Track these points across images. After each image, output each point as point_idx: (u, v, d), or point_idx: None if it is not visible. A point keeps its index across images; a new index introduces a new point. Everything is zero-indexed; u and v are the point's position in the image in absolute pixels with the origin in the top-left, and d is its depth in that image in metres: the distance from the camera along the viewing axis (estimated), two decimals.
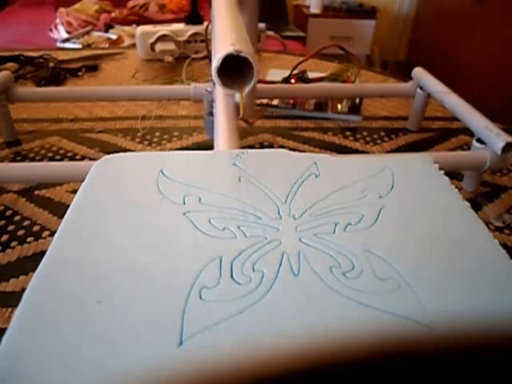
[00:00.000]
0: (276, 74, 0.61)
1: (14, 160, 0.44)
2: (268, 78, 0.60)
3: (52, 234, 0.34)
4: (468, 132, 0.43)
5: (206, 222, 0.18)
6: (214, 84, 0.40)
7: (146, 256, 0.16)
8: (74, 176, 0.32)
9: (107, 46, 1.09)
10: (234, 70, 0.25)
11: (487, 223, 0.36)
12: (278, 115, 0.54)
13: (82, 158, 0.44)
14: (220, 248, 0.17)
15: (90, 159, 0.44)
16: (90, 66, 0.68)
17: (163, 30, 0.70)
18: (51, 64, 0.66)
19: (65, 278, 0.15)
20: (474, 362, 0.14)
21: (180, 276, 0.15)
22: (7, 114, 0.46)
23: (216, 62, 0.24)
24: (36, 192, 0.39)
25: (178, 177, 0.20)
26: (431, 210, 0.19)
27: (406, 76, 0.58)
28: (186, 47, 0.72)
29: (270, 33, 0.85)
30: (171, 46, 0.69)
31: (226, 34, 0.26)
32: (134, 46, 0.78)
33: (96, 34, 1.17)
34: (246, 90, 0.25)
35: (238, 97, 0.36)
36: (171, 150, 0.46)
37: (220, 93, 0.37)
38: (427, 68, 0.49)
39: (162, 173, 0.21)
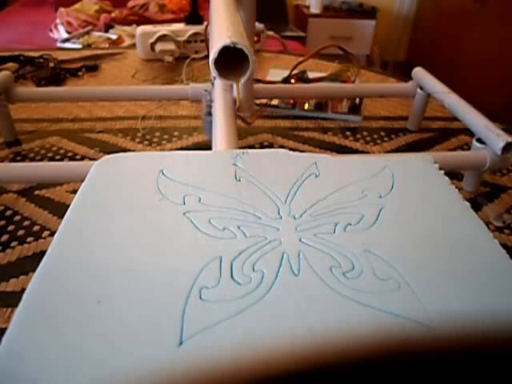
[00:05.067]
0: (276, 73, 0.61)
1: (14, 160, 0.44)
2: (268, 78, 0.60)
3: (52, 234, 0.34)
4: (468, 132, 0.44)
5: (206, 222, 0.18)
6: (212, 84, 0.40)
7: (146, 256, 0.16)
8: (74, 176, 0.32)
9: (107, 45, 1.09)
10: (232, 63, 0.26)
11: (487, 223, 0.36)
12: (278, 115, 0.54)
13: (82, 158, 0.44)
14: (220, 248, 0.17)
15: (90, 159, 0.44)
16: (90, 66, 0.68)
17: (163, 30, 0.70)
18: (51, 64, 0.66)
19: (65, 278, 0.15)
20: (474, 362, 0.14)
21: (180, 276, 0.15)
22: (7, 114, 0.46)
23: (213, 53, 0.25)
24: (36, 192, 0.39)
25: (178, 177, 0.20)
26: (431, 210, 0.19)
27: (406, 76, 0.58)
28: (185, 47, 0.72)
29: (270, 33, 0.85)
30: (171, 46, 0.69)
31: (223, 28, 0.27)
32: (134, 46, 0.78)
33: (96, 33, 1.17)
34: (242, 80, 0.26)
35: (235, 88, 0.37)
36: (171, 150, 0.46)
37: (219, 92, 0.37)
38: (427, 68, 0.49)
39: (162, 173, 0.21)
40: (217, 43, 0.25)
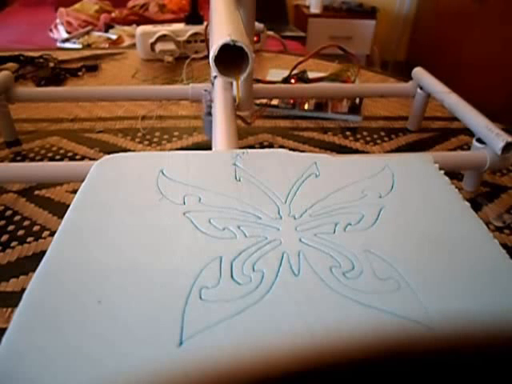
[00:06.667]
0: (276, 73, 0.61)
1: (13, 160, 0.44)
2: (268, 78, 0.60)
3: (52, 234, 0.34)
4: (468, 132, 0.44)
5: (206, 221, 0.18)
6: (212, 84, 0.40)
7: (146, 256, 0.16)
8: (74, 176, 0.32)
9: (107, 45, 1.09)
10: (231, 62, 0.27)
11: (487, 223, 0.36)
12: (278, 115, 0.54)
13: (82, 158, 0.44)
14: (220, 248, 0.17)
15: (90, 159, 0.44)
16: (90, 66, 0.68)
17: (163, 30, 0.70)
18: (51, 64, 0.66)
19: (65, 278, 0.15)
20: (474, 362, 0.14)
21: (180, 276, 0.15)
22: (7, 113, 0.46)
23: (214, 50, 0.26)
24: (36, 192, 0.39)
25: (177, 177, 0.20)
26: (431, 210, 0.19)
27: (406, 76, 0.58)
28: (185, 47, 0.72)
29: (270, 33, 0.85)
30: (171, 46, 0.69)
31: (223, 27, 0.28)
32: (134, 45, 0.78)
33: (96, 33, 1.17)
34: (242, 77, 0.27)
35: (234, 88, 0.37)
36: (171, 150, 0.46)
37: (219, 91, 0.37)
38: (427, 68, 0.49)
39: (162, 173, 0.21)
40: (217, 41, 0.26)
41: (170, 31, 0.70)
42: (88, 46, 1.09)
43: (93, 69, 0.68)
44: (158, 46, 0.69)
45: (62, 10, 1.34)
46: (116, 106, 0.56)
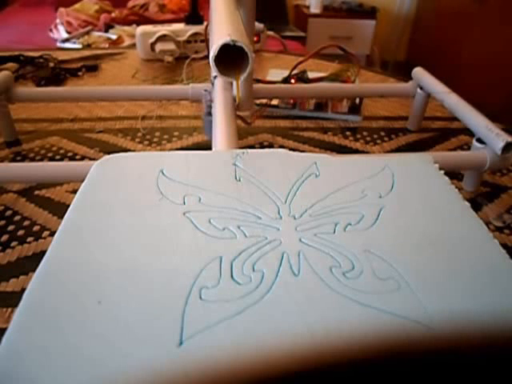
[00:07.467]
0: (276, 74, 0.61)
1: (13, 160, 0.44)
2: (268, 78, 0.60)
3: (52, 234, 0.34)
4: (468, 132, 0.43)
5: (206, 221, 0.18)
6: (212, 84, 0.40)
7: (146, 256, 0.16)
8: (74, 176, 0.32)
9: (107, 46, 1.09)
10: (231, 62, 0.27)
11: (487, 223, 0.36)
12: (278, 115, 0.54)
13: (82, 158, 0.44)
14: (220, 248, 0.17)
15: (90, 159, 0.44)
16: (90, 66, 0.68)
17: (163, 30, 0.70)
18: (51, 64, 0.66)
19: (65, 278, 0.15)
20: (474, 362, 0.14)
21: (180, 276, 0.15)
22: (7, 113, 0.46)
23: (214, 50, 0.26)
24: (36, 192, 0.39)
25: (178, 177, 0.20)
26: (431, 210, 0.19)
27: (406, 76, 0.58)
28: (186, 47, 0.72)
29: (270, 33, 0.85)
30: (171, 46, 0.69)
31: (223, 27, 0.28)
32: (134, 46, 0.78)
33: (96, 33, 1.17)
34: (242, 77, 0.27)
35: (234, 88, 0.37)
36: (171, 150, 0.46)
37: (219, 91, 0.37)
38: (427, 68, 0.49)
39: (162, 173, 0.21)
40: (217, 41, 0.26)
41: (170, 31, 0.70)
42: (88, 46, 1.09)
43: (93, 69, 0.68)
44: (158, 46, 0.69)
45: (62, 10, 1.34)
46: (116, 106, 0.56)
